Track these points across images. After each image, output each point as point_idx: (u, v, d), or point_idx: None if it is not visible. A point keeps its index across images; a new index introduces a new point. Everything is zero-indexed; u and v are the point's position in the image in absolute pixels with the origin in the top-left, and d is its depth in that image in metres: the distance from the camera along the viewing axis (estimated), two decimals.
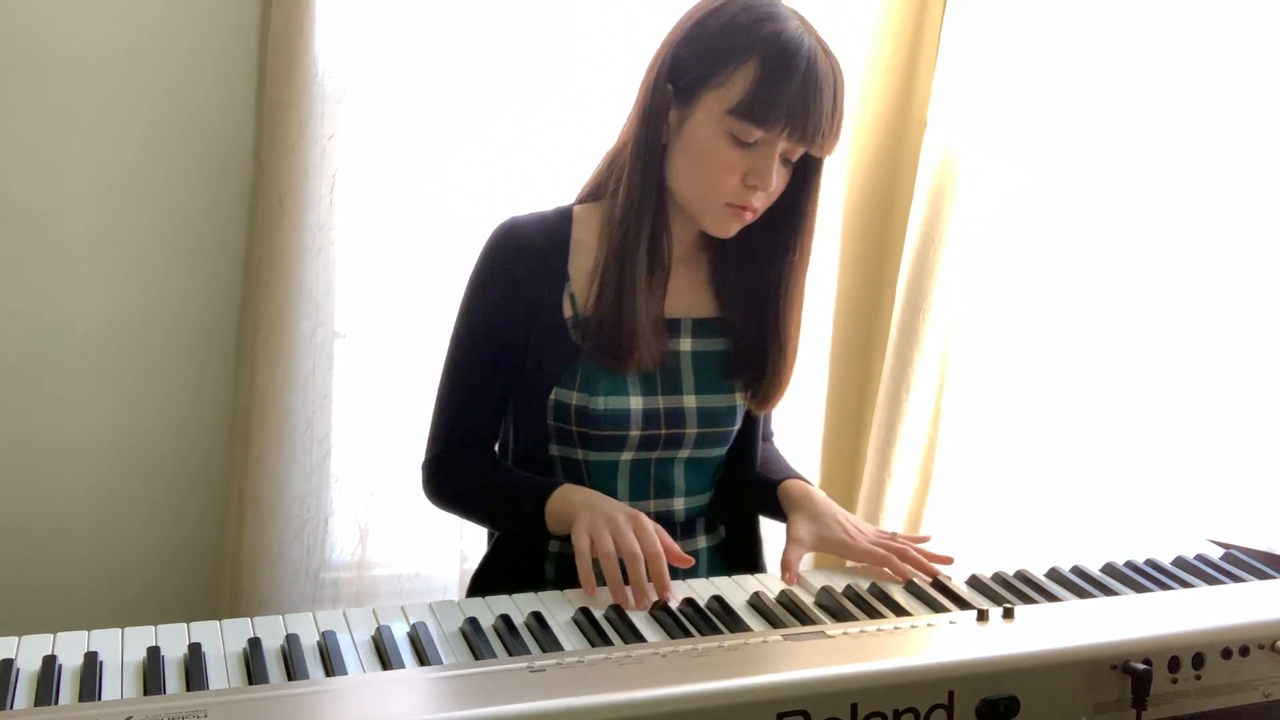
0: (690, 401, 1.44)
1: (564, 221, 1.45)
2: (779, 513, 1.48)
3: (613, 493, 1.44)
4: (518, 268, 1.41)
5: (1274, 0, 1.84)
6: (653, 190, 1.38)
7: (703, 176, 1.35)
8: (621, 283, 1.37)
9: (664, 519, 1.46)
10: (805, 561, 1.39)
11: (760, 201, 1.36)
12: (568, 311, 1.41)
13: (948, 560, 1.36)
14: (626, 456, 1.43)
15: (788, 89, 1.29)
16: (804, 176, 1.41)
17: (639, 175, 1.38)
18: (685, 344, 1.46)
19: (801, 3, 2.04)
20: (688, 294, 1.47)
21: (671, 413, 1.43)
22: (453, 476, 1.46)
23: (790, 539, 1.39)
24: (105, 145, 1.74)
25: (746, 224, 1.38)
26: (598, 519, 1.27)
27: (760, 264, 1.45)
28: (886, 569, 1.33)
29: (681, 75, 1.35)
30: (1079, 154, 2.06)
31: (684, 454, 1.46)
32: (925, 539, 1.41)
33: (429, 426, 1.48)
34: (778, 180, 1.35)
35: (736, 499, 1.54)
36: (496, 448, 1.51)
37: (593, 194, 1.47)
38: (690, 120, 1.34)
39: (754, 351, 1.46)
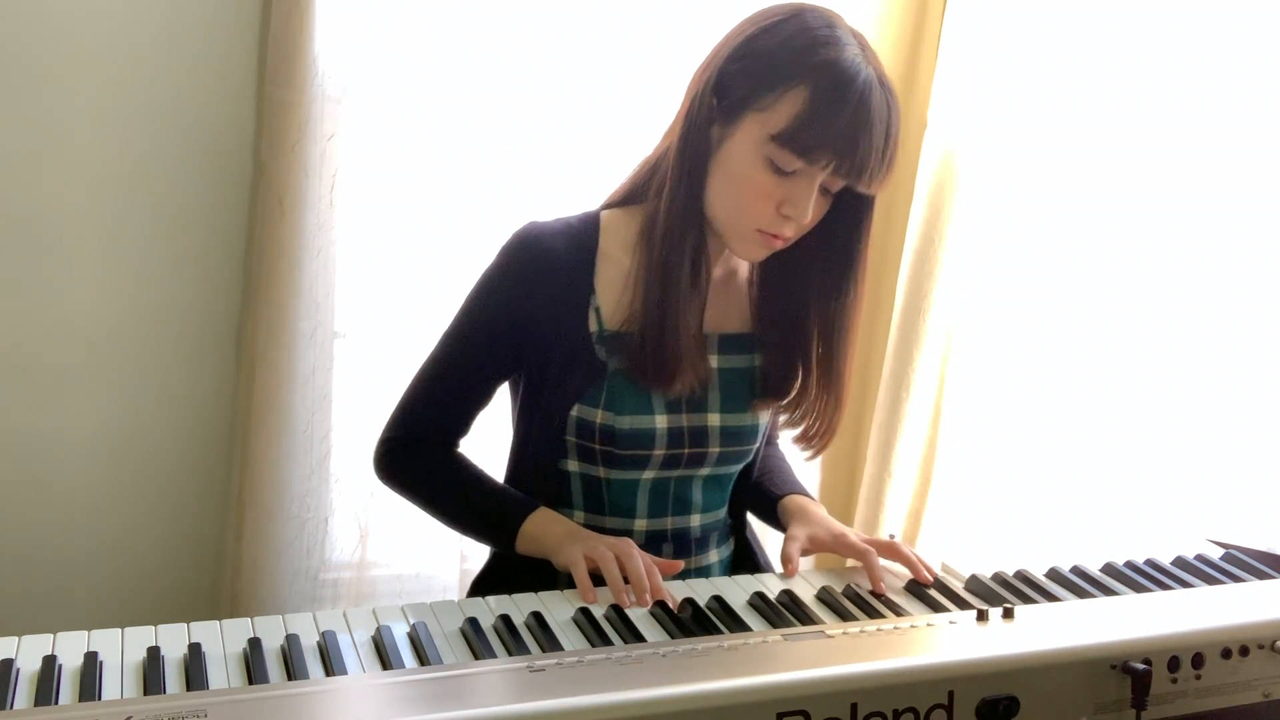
0: (715, 420, 1.41)
1: (590, 231, 1.40)
2: (779, 524, 1.49)
3: (631, 510, 1.42)
4: (534, 279, 1.37)
5: (1274, 0, 1.84)
6: (697, 203, 1.32)
7: (736, 200, 1.30)
8: (665, 300, 1.32)
9: (680, 536, 1.45)
10: (805, 562, 1.39)
11: (792, 231, 1.31)
12: (592, 326, 1.37)
13: (930, 577, 1.34)
14: (648, 475, 1.41)
15: (836, 122, 1.22)
16: (856, 215, 1.35)
17: (683, 188, 1.32)
18: (712, 360, 1.41)
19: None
20: (715, 309, 1.42)
21: (696, 431, 1.40)
22: (413, 463, 1.44)
23: (787, 538, 1.41)
24: (105, 145, 1.74)
25: (775, 251, 1.34)
26: (589, 542, 1.28)
27: (806, 298, 1.40)
28: (873, 566, 1.33)
29: (727, 92, 1.28)
30: (1079, 154, 2.06)
31: (704, 472, 1.44)
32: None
33: (395, 406, 1.45)
34: (814, 212, 1.30)
35: (743, 511, 1.54)
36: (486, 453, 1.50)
37: (627, 198, 1.43)
38: (730, 140, 1.29)
39: (786, 379, 1.43)
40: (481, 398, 1.44)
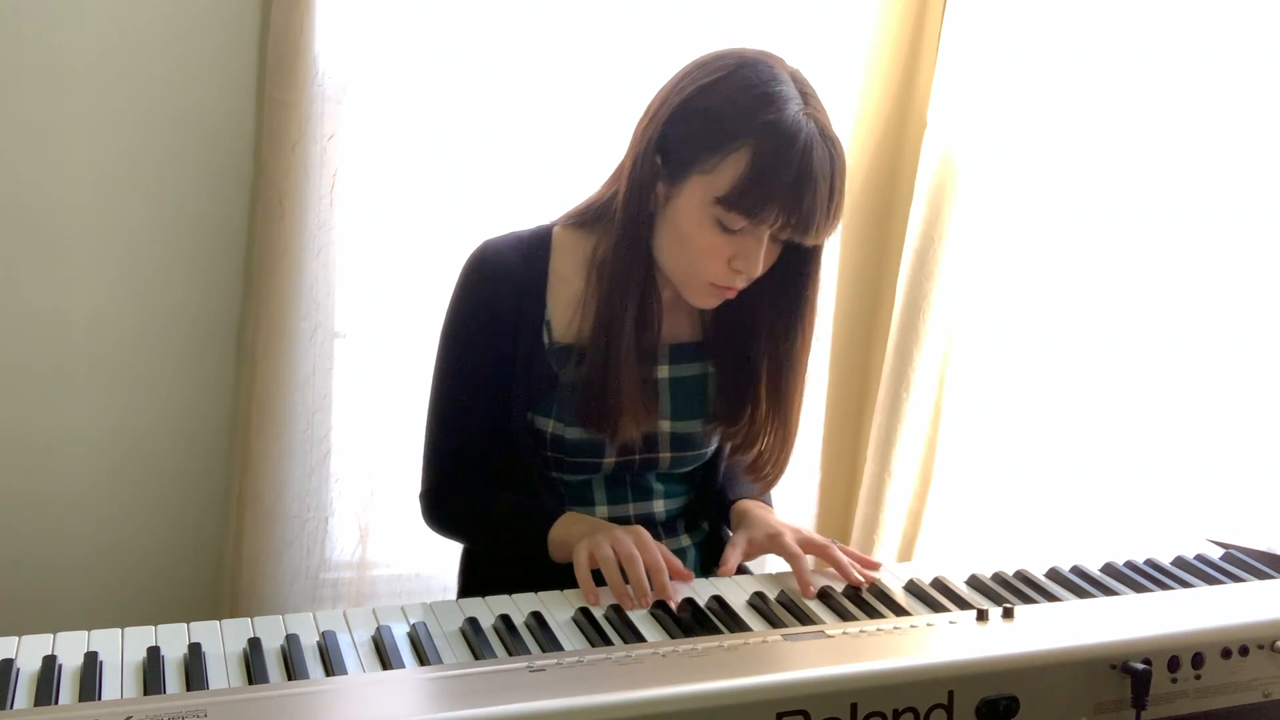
0: (665, 427, 1.43)
1: (542, 247, 1.41)
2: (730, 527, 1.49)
3: (590, 501, 1.44)
4: (495, 295, 1.38)
5: (1274, 0, 1.84)
6: (641, 260, 1.34)
7: (686, 257, 1.31)
8: (610, 358, 1.33)
9: (645, 521, 1.46)
10: (806, 561, 1.38)
11: (743, 282, 1.32)
12: (545, 340, 1.39)
13: (874, 565, 1.33)
14: (600, 475, 1.44)
15: (780, 182, 1.22)
16: (805, 262, 1.36)
17: (627, 247, 1.33)
18: (662, 371, 1.43)
19: (803, 3, 2.05)
20: (667, 320, 1.43)
21: (646, 438, 1.42)
22: (451, 506, 1.45)
23: (728, 544, 1.39)
24: (105, 145, 1.74)
25: (727, 299, 1.35)
26: (598, 537, 1.27)
27: (756, 336, 1.41)
28: (806, 572, 1.30)
29: (670, 153, 1.29)
30: (1079, 154, 2.06)
31: (659, 471, 1.47)
32: (875, 566, 1.34)
33: (422, 456, 1.46)
34: (765, 262, 1.31)
35: (709, 502, 1.54)
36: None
37: (577, 223, 1.43)
38: (676, 199, 1.29)
39: (736, 403, 1.43)
40: (492, 419, 1.42)
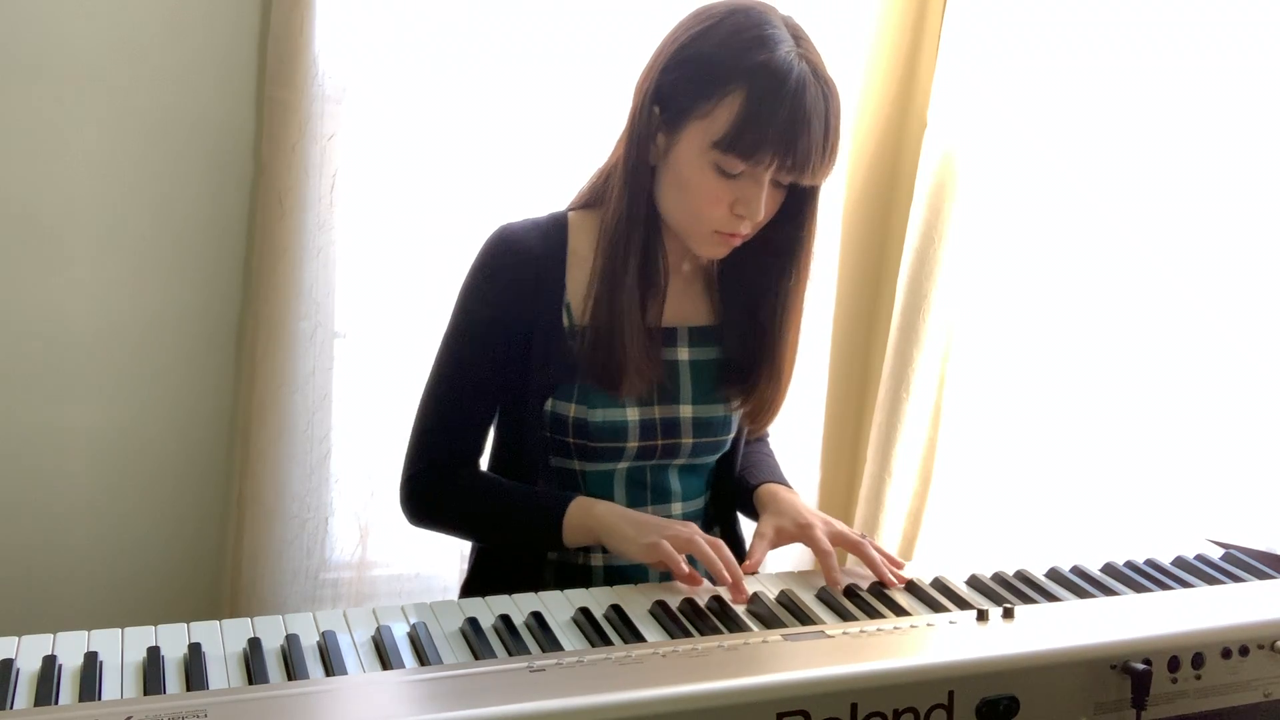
0: (686, 411, 1.43)
1: (559, 230, 1.43)
2: (755, 515, 1.47)
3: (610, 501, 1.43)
4: (515, 276, 1.38)
5: (1274, 1, 1.84)
6: (642, 212, 1.35)
7: (689, 206, 1.33)
8: (613, 309, 1.35)
9: None
10: (805, 562, 1.39)
11: (748, 228, 1.34)
12: (565, 322, 1.39)
13: (900, 565, 1.32)
14: (623, 466, 1.43)
15: (774, 122, 1.24)
16: (801, 202, 1.37)
17: (628, 199, 1.35)
18: (682, 353, 1.44)
19: (802, 3, 2.05)
20: (684, 302, 1.45)
21: (668, 423, 1.42)
22: (440, 494, 1.43)
23: (755, 535, 1.39)
24: (105, 145, 1.74)
25: (735, 248, 1.37)
26: (663, 530, 1.27)
27: (757, 283, 1.43)
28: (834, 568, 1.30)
29: (668, 101, 1.31)
30: (1079, 154, 2.05)
31: (679, 462, 1.46)
32: (901, 565, 1.34)
33: (408, 442, 1.44)
34: (767, 208, 1.33)
35: (725, 499, 1.54)
36: (484, 461, 1.49)
37: (587, 202, 1.45)
38: (676, 148, 1.31)
39: (747, 366, 1.44)
40: (491, 409, 1.43)
